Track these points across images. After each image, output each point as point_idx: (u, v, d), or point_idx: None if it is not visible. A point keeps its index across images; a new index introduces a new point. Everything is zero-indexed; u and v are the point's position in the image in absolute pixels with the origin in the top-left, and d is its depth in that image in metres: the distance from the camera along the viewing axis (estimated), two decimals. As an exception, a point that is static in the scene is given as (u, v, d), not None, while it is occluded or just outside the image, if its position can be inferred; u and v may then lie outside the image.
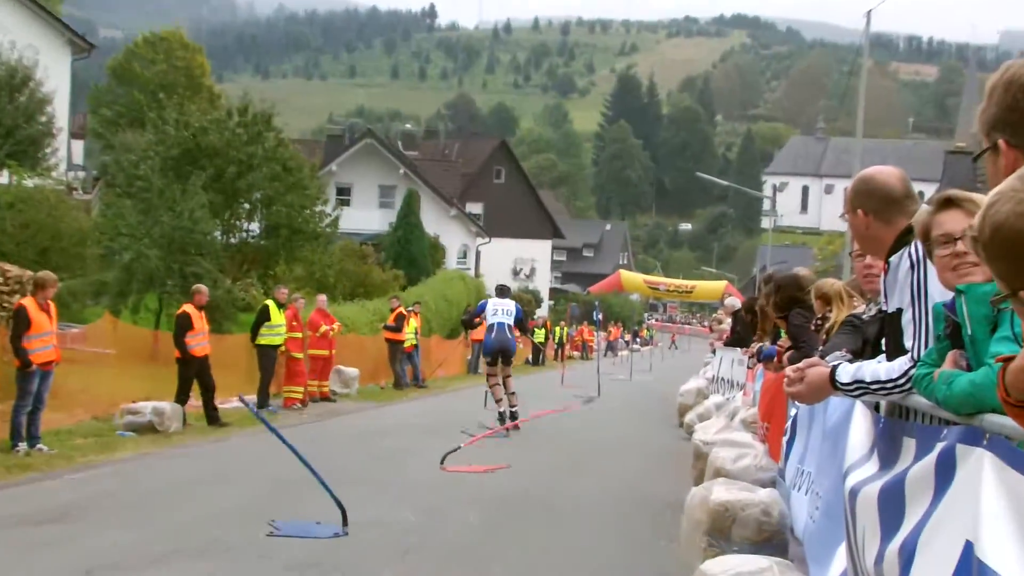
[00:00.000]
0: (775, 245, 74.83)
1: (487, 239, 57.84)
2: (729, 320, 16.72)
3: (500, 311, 16.23)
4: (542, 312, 61.33)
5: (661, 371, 40.55)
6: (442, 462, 11.44)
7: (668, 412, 19.29)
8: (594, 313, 35.17)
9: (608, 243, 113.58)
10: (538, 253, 72.53)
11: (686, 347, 69.95)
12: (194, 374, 14.83)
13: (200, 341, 15.07)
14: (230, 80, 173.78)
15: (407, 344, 23.82)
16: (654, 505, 9.62)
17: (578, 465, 12.36)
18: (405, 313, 23.63)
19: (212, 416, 14.82)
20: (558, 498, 9.86)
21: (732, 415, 10.79)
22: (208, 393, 14.99)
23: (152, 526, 7.93)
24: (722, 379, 16.49)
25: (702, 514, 6.51)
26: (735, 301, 16.51)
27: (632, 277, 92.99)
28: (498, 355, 16.13)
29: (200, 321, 15.20)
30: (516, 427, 15.62)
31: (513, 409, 15.97)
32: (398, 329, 23.23)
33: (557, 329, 46.40)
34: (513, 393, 16.13)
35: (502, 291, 17.20)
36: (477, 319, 17.15)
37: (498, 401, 16.06)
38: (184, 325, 14.86)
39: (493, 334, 16.11)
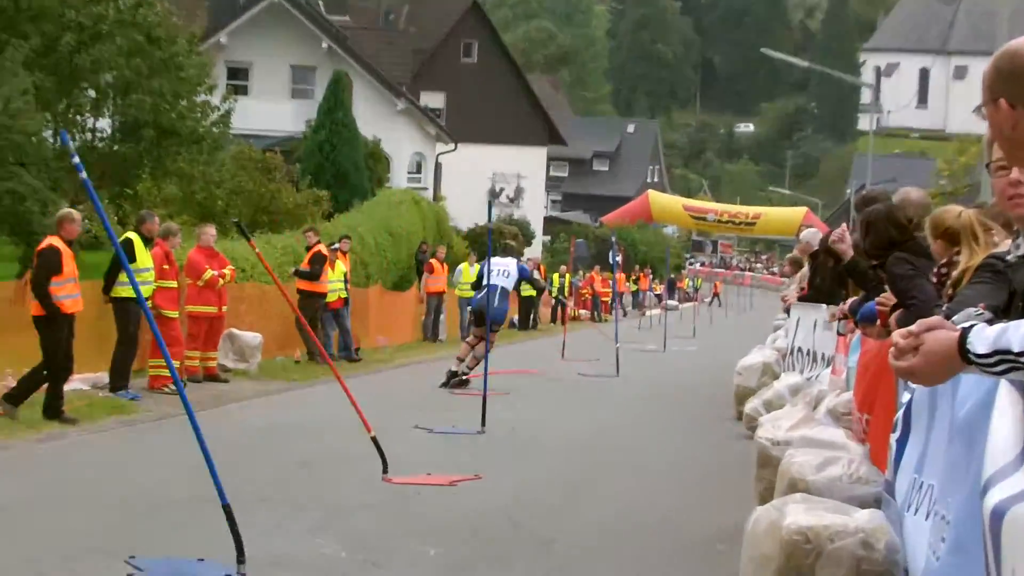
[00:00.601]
0: (879, 155, 74.86)
1: (451, 145, 57.67)
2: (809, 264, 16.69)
3: (496, 272, 20.24)
4: (533, 252, 61.40)
5: (710, 339, 40.64)
6: (384, 470, 11.44)
7: (720, 398, 19.34)
8: (610, 254, 35.16)
9: (631, 152, 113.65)
10: (527, 166, 72.47)
11: (745, 305, 70.14)
12: (66, 336, 14.70)
13: (71, 291, 14.92)
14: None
15: (331, 298, 23.76)
16: (698, 535, 9.63)
17: (585, 478, 12.38)
18: (326, 252, 23.53)
19: (54, 406, 14.68)
20: (555, 525, 9.87)
21: (815, 403, 10.78)
22: (64, 372, 14.89)
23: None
24: (799, 350, 16.50)
25: (772, 547, 6.50)
26: (816, 235, 16.47)
27: (666, 202, 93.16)
28: (479, 317, 20.25)
29: (71, 262, 15.07)
30: (462, 383, 19.96)
31: (464, 374, 20.15)
32: (314, 276, 23.13)
33: (556, 277, 46.46)
34: (478, 360, 19.83)
35: (504, 249, 22.24)
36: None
37: (459, 359, 20.38)
38: (51, 266, 14.66)
39: (483, 294, 20.09)
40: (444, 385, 19.91)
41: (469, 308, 20.16)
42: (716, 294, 76.94)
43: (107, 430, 14.35)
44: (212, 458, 8.09)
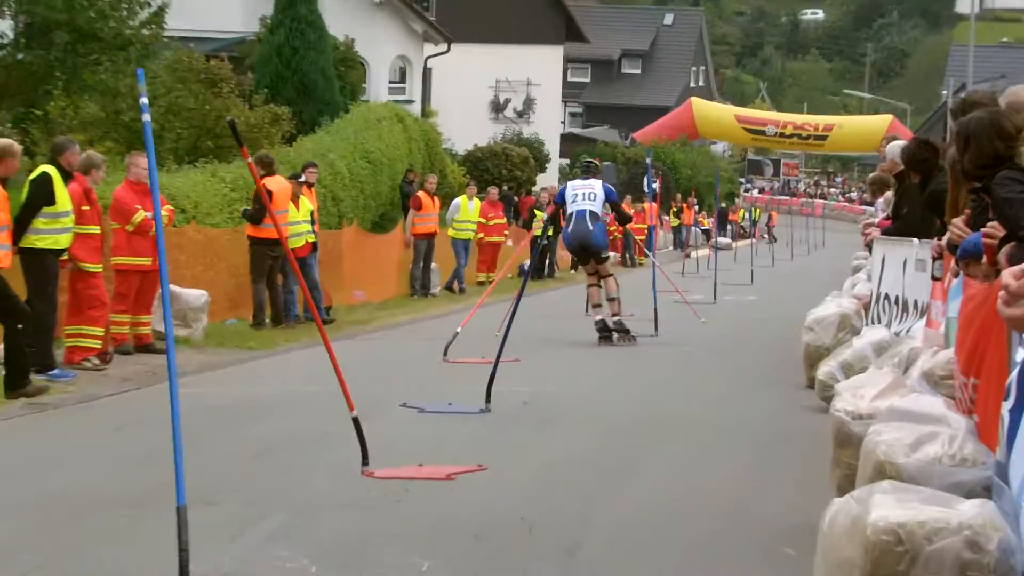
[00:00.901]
0: (983, 46, 74.33)
1: (443, 46, 57.51)
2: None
3: (580, 196, 22.47)
4: (548, 179, 61.31)
5: (772, 285, 40.64)
6: (364, 461, 11.40)
7: (786, 361, 19.42)
8: (645, 180, 35.03)
9: (669, 50, 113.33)
10: (539, 71, 72.29)
11: (815, 241, 69.97)
12: None
13: (3, 242, 15.39)
14: None
15: (296, 243, 23.68)
16: (760, 535, 9.62)
17: (616, 466, 12.36)
18: (277, 187, 23.27)
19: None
20: (578, 527, 9.88)
21: (906, 364, 10.73)
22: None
23: None
24: (885, 297, 16.45)
25: (854, 549, 6.49)
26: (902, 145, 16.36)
27: (715, 112, 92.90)
28: (582, 253, 22.99)
29: (5, 205, 15.36)
30: (630, 338, 22.52)
31: (616, 318, 22.64)
32: (255, 218, 22.97)
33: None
34: (614, 299, 22.61)
35: (586, 169, 23.84)
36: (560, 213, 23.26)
37: (595, 307, 22.84)
38: None
39: (571, 227, 22.46)
40: (606, 340, 22.38)
41: (568, 250, 23.91)
42: (771, 227, 76.56)
43: (15, 416, 14.34)
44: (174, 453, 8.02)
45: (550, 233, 31.00)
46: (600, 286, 22.67)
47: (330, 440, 12.50)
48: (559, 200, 23.18)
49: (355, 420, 11.46)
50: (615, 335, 22.46)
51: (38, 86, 29.69)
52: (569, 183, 23.24)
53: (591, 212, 22.29)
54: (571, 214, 22.36)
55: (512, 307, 16.72)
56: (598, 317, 22.60)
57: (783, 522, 9.81)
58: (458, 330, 20.17)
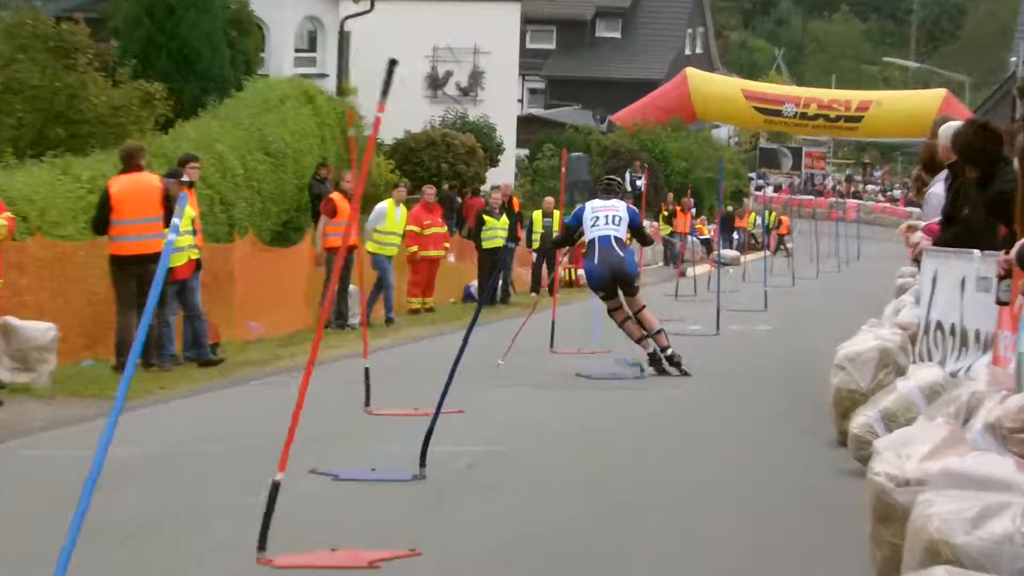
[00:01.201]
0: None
1: (365, 4, 57.57)
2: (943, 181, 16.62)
3: (603, 219, 24.32)
4: (502, 174, 61.31)
5: (792, 311, 40.68)
6: (261, 545, 11.32)
7: (810, 409, 19.47)
8: (627, 175, 35.06)
9: (656, 8, 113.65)
10: (489, 38, 72.48)
11: (848, 254, 70.15)
12: None
13: None
14: None
15: (175, 262, 23.60)
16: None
17: (590, 544, 12.37)
18: (130, 188, 23.19)
19: None
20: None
21: (966, 413, 10.73)
22: None
23: None
24: (938, 327, 16.47)
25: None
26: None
27: (717, 87, 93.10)
28: (612, 286, 24.28)
29: None
30: (682, 371, 24.19)
31: (668, 352, 24.21)
32: (95, 227, 22.89)
33: (537, 216, 46.38)
34: (660, 332, 24.30)
35: (608, 188, 25.69)
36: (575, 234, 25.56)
37: (639, 340, 24.34)
38: None
39: (596, 256, 24.18)
40: (661, 373, 24.15)
41: (594, 283, 24.78)
42: (782, 236, 76.52)
43: None
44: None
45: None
46: (630, 317, 24.32)
47: (216, 517, 12.44)
48: (574, 222, 25.23)
49: (275, 486, 11.32)
50: (674, 368, 24.15)
51: None
52: (588, 203, 25.13)
53: (616, 238, 24.19)
54: (592, 241, 24.28)
55: (464, 340, 16.59)
56: (649, 349, 24.22)
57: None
58: (365, 365, 19.89)
